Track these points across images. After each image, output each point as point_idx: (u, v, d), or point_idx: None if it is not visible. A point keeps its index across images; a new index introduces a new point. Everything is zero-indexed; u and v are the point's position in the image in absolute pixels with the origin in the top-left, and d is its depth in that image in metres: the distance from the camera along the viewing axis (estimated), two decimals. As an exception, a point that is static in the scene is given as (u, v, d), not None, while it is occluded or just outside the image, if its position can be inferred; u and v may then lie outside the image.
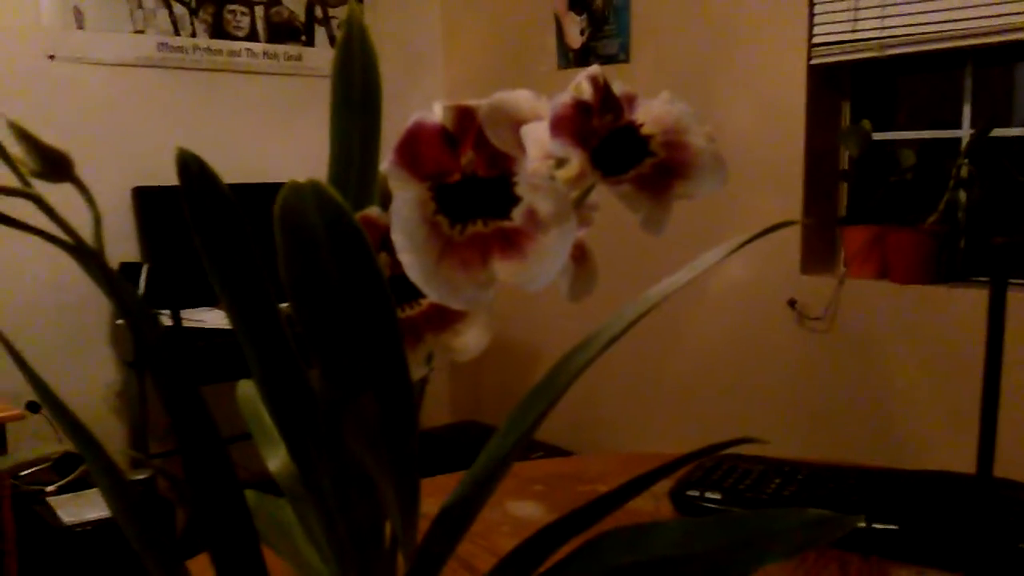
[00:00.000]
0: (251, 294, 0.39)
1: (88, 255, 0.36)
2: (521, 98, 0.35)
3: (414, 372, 0.40)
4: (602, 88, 0.34)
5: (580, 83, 0.34)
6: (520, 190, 0.35)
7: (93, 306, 2.79)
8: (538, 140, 0.34)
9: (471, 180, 0.35)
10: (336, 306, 0.34)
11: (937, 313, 2.29)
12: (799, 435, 2.57)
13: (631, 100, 0.36)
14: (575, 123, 0.34)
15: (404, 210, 0.34)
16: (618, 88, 0.36)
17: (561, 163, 0.35)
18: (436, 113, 0.35)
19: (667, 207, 0.35)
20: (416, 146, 0.35)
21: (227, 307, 0.39)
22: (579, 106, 0.34)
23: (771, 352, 2.62)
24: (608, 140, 0.35)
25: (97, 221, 0.36)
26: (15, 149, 0.40)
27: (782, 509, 0.47)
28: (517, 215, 0.35)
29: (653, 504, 0.93)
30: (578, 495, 0.98)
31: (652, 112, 0.36)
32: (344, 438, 0.42)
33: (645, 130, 0.36)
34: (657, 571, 0.45)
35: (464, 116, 0.35)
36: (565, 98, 0.34)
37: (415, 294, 0.39)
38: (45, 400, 0.42)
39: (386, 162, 0.35)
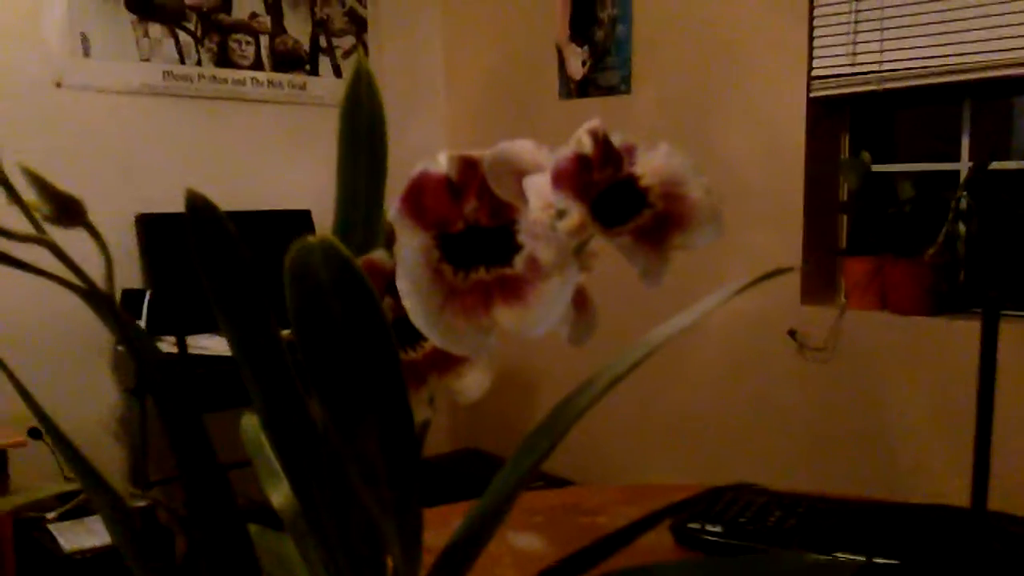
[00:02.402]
0: (257, 336, 0.39)
1: (100, 300, 0.37)
2: (523, 149, 0.36)
3: (417, 413, 0.40)
4: (602, 142, 0.35)
5: (581, 137, 0.35)
6: (522, 239, 0.35)
7: (94, 332, 2.80)
8: (540, 191, 0.35)
9: (474, 229, 0.36)
10: (342, 350, 0.34)
11: (937, 344, 2.29)
12: (800, 465, 2.57)
13: (631, 151, 0.37)
14: (576, 176, 0.35)
15: (409, 258, 0.35)
16: (617, 139, 0.37)
17: (562, 213, 0.36)
18: (440, 163, 0.36)
19: (665, 258, 0.36)
20: (421, 196, 0.35)
21: (234, 347, 0.40)
22: (580, 160, 0.35)
23: (772, 382, 2.62)
24: (608, 192, 0.36)
25: (109, 266, 0.37)
26: (22, 189, 0.41)
27: (784, 551, 0.48)
28: (519, 263, 0.35)
29: (654, 536, 0.93)
30: (579, 527, 0.99)
31: (651, 164, 0.37)
32: (347, 475, 0.42)
33: (644, 182, 0.37)
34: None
35: (468, 166, 0.36)
36: (566, 152, 0.35)
37: (418, 337, 0.40)
38: (46, 428, 0.43)
39: (392, 210, 0.36)
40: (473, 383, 0.40)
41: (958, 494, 0.92)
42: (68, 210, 0.38)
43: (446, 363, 0.40)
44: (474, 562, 0.46)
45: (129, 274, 2.85)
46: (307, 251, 0.31)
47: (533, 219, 0.35)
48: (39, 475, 2.50)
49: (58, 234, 0.40)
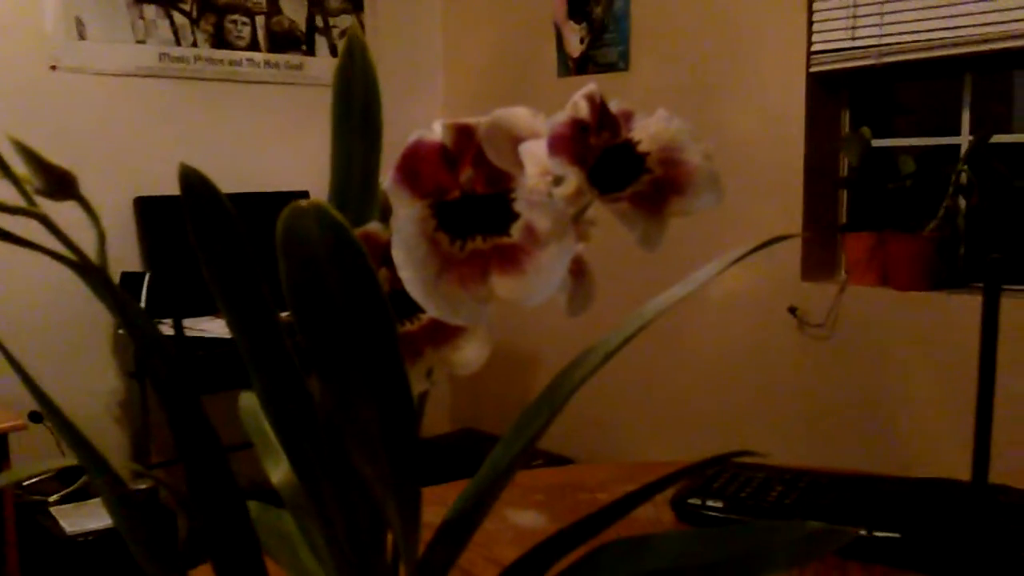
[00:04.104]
0: (253, 311, 0.39)
1: (93, 273, 0.36)
2: (519, 116, 0.36)
3: (415, 386, 0.40)
4: (599, 106, 0.35)
5: (577, 102, 0.34)
6: (519, 207, 0.35)
7: (95, 315, 2.79)
8: (536, 158, 0.35)
9: (470, 197, 0.35)
10: (338, 323, 0.34)
11: (938, 319, 2.29)
12: (800, 441, 2.57)
13: (628, 117, 0.37)
14: (572, 142, 0.34)
15: (404, 227, 0.34)
16: (615, 105, 0.36)
17: (559, 180, 0.35)
18: (436, 131, 0.35)
19: (663, 224, 0.36)
20: (416, 164, 0.35)
21: (230, 324, 0.40)
22: (576, 125, 0.34)
23: (772, 359, 2.62)
24: (605, 157, 0.35)
25: (101, 239, 0.37)
26: (19, 166, 0.40)
27: (782, 521, 0.48)
28: (516, 231, 0.35)
29: (654, 512, 0.93)
30: (579, 504, 0.99)
31: (649, 129, 0.36)
32: (346, 450, 0.42)
33: (642, 147, 0.37)
34: (657, 582, 0.45)
35: (463, 134, 0.35)
36: (562, 117, 0.34)
37: (415, 309, 0.39)
38: (47, 411, 0.43)
39: (387, 180, 0.35)
40: (470, 355, 0.40)
41: (961, 468, 0.92)
42: (60, 183, 0.38)
43: (443, 335, 0.40)
44: (472, 536, 0.46)
45: (128, 257, 2.84)
46: (299, 215, 0.31)
47: (530, 187, 0.34)
48: (40, 459, 2.50)
49: (52, 214, 0.40)
